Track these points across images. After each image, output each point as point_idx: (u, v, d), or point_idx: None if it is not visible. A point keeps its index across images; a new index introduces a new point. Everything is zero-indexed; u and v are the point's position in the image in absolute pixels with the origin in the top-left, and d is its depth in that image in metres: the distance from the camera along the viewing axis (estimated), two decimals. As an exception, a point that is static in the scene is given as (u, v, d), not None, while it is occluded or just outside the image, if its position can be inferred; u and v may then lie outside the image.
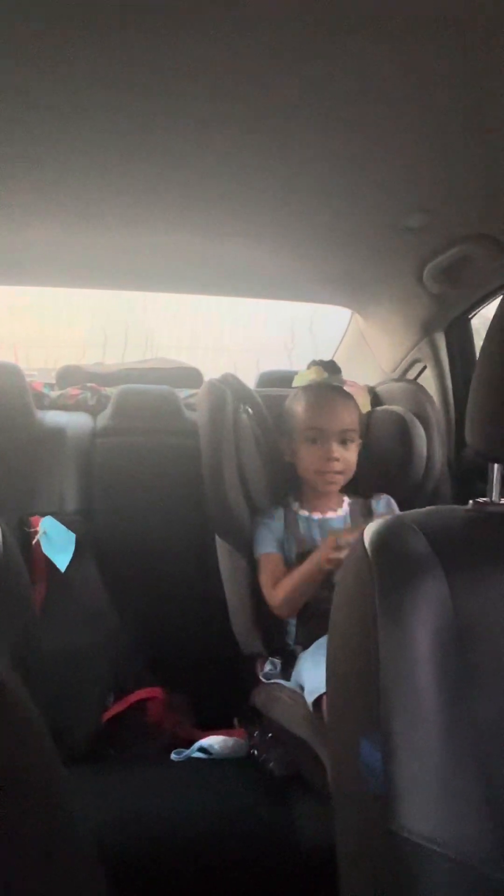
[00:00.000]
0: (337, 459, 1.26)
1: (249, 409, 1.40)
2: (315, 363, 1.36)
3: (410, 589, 0.52)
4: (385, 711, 0.47)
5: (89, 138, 0.91)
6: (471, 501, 0.64)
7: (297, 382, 1.37)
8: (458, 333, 1.57)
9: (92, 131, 0.89)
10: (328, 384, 1.33)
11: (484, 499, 0.64)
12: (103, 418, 1.67)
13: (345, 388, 1.33)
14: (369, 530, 0.59)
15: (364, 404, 1.34)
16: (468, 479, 1.55)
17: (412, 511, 0.63)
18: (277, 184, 1.05)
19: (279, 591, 1.23)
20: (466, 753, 0.47)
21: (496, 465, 0.64)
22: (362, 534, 0.59)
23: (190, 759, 1.10)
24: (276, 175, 1.02)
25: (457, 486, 1.51)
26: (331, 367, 1.35)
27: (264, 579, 1.26)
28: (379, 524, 0.60)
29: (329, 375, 1.34)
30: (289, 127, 0.87)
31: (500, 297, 1.41)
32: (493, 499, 0.63)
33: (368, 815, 0.48)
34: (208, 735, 1.17)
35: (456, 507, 0.65)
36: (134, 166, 1.00)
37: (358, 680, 0.51)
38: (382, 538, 0.57)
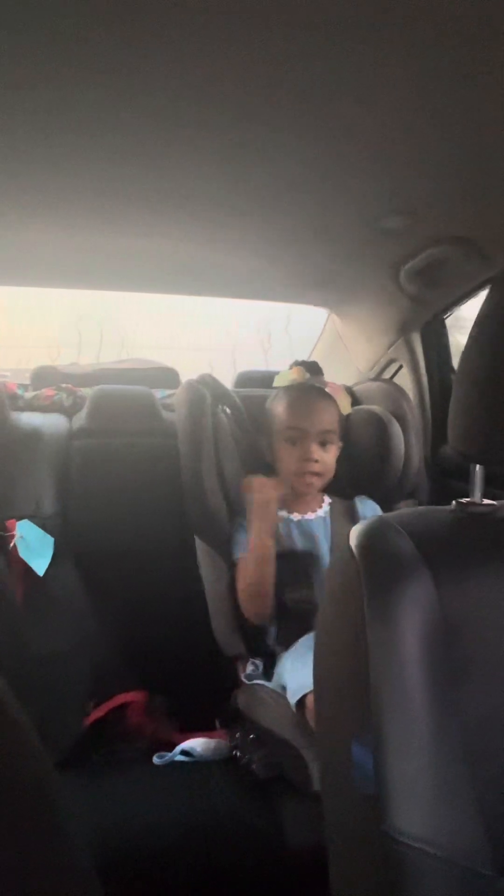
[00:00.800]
0: (316, 461, 1.26)
1: (227, 410, 1.39)
2: (297, 364, 1.36)
3: (398, 590, 0.52)
4: (376, 713, 0.47)
5: (65, 141, 0.90)
6: (454, 502, 0.65)
7: (277, 383, 1.37)
8: (434, 333, 1.59)
9: (69, 134, 0.88)
10: (309, 385, 1.34)
11: (467, 499, 0.64)
12: (79, 419, 1.65)
13: (326, 389, 1.33)
14: (354, 532, 0.60)
15: (345, 406, 1.35)
16: (444, 477, 1.57)
17: (396, 512, 0.63)
18: (255, 186, 1.05)
19: (242, 596, 1.23)
20: (455, 753, 0.47)
21: (478, 466, 0.64)
22: (348, 537, 0.59)
23: (172, 763, 1.10)
24: (253, 177, 1.02)
25: (433, 485, 1.53)
26: (312, 368, 1.35)
27: (239, 584, 1.27)
28: (363, 526, 0.60)
29: (310, 376, 1.34)
30: (267, 129, 0.87)
31: (474, 298, 1.43)
32: (476, 499, 0.64)
33: (360, 816, 0.48)
34: (190, 737, 1.16)
35: (439, 507, 0.65)
36: (109, 168, 0.99)
37: (348, 682, 0.51)
38: (368, 540, 0.57)
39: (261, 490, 1.24)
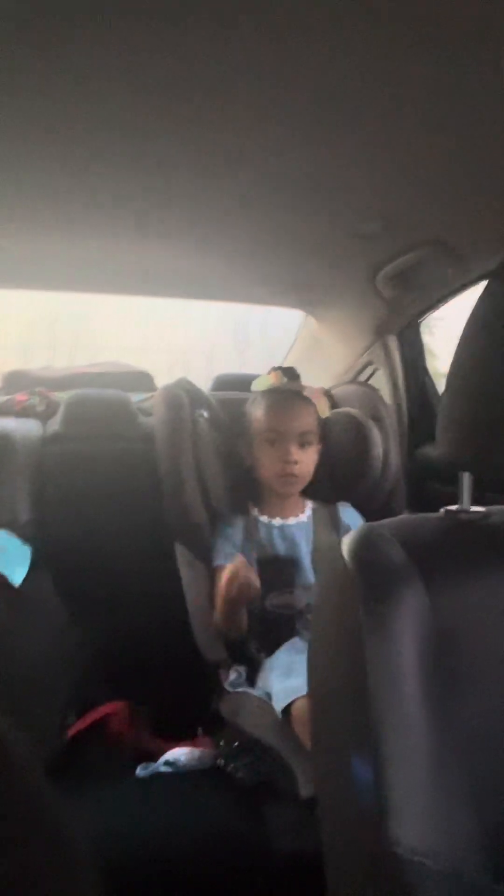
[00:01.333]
0: (295, 462, 1.26)
1: (205, 414, 1.38)
2: (275, 369, 1.36)
3: (393, 600, 0.52)
4: (375, 726, 0.47)
5: (35, 144, 0.89)
6: (443, 510, 0.65)
7: (256, 387, 1.37)
8: (410, 337, 1.61)
9: (38, 137, 0.87)
10: (287, 388, 1.33)
11: (455, 506, 0.64)
12: (53, 424, 1.62)
13: (304, 393, 1.33)
14: (346, 542, 0.59)
15: (323, 410, 1.35)
16: (421, 480, 1.58)
17: (385, 521, 0.63)
18: (233, 190, 1.05)
19: (217, 609, 1.22)
20: (454, 764, 0.47)
21: (466, 474, 0.65)
22: (340, 545, 0.59)
23: (156, 774, 1.08)
24: (231, 182, 1.01)
25: (411, 488, 1.54)
26: (290, 374, 1.36)
27: (216, 595, 1.26)
28: (355, 536, 0.60)
29: (288, 381, 1.34)
30: (245, 133, 0.86)
31: (449, 302, 1.45)
32: (464, 507, 0.64)
33: (360, 830, 0.48)
34: (173, 747, 1.15)
35: (428, 515, 0.66)
36: (82, 171, 0.98)
37: (345, 694, 0.51)
38: (361, 550, 0.57)
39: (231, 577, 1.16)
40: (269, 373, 1.37)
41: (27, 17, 0.64)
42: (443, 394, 0.63)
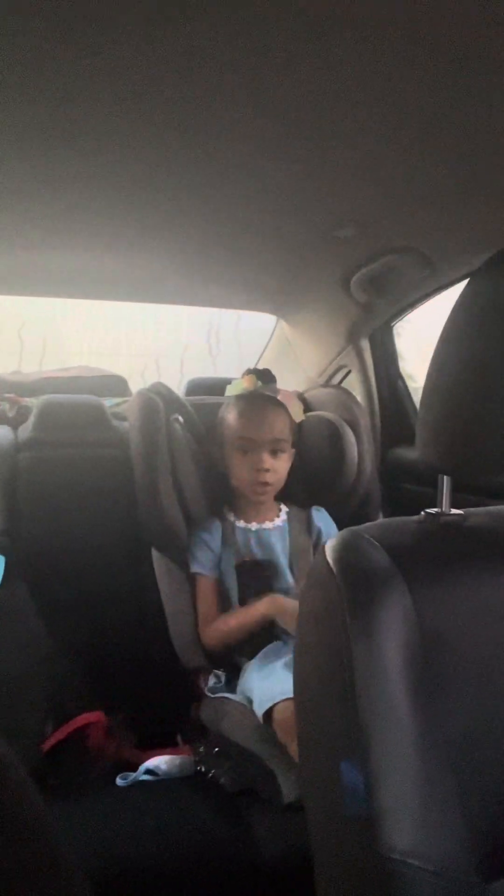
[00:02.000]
0: (267, 470, 1.26)
1: (181, 419, 1.38)
2: (249, 372, 1.36)
3: (379, 604, 0.52)
4: (363, 730, 0.47)
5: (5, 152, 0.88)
6: (423, 513, 0.66)
7: (230, 391, 1.37)
8: (382, 340, 1.63)
9: (9, 145, 0.86)
10: (260, 394, 1.34)
11: (435, 509, 0.65)
12: (25, 431, 1.59)
13: (278, 397, 1.33)
14: (329, 547, 0.59)
15: (297, 413, 1.35)
16: (395, 482, 1.60)
17: (366, 525, 0.63)
18: (208, 193, 1.05)
19: (214, 631, 1.25)
20: (442, 766, 0.48)
21: (446, 477, 0.65)
22: (323, 551, 0.59)
23: (137, 783, 1.07)
24: (206, 184, 1.01)
25: (385, 489, 1.56)
26: (265, 376, 1.36)
27: (199, 605, 1.28)
28: (338, 541, 0.60)
29: (262, 384, 1.34)
30: (220, 140, 0.86)
31: (421, 306, 1.47)
32: (444, 510, 0.65)
33: (350, 834, 0.48)
34: (153, 755, 1.14)
35: (407, 518, 0.66)
36: (50, 176, 0.97)
37: (333, 701, 0.51)
38: (345, 555, 0.57)
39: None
40: (243, 376, 1.36)
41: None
42: (421, 396, 0.64)
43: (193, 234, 1.26)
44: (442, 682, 0.51)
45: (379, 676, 0.49)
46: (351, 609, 0.52)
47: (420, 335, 1.73)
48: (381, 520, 0.65)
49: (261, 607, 1.19)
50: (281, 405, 1.33)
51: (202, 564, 1.28)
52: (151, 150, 0.90)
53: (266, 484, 1.27)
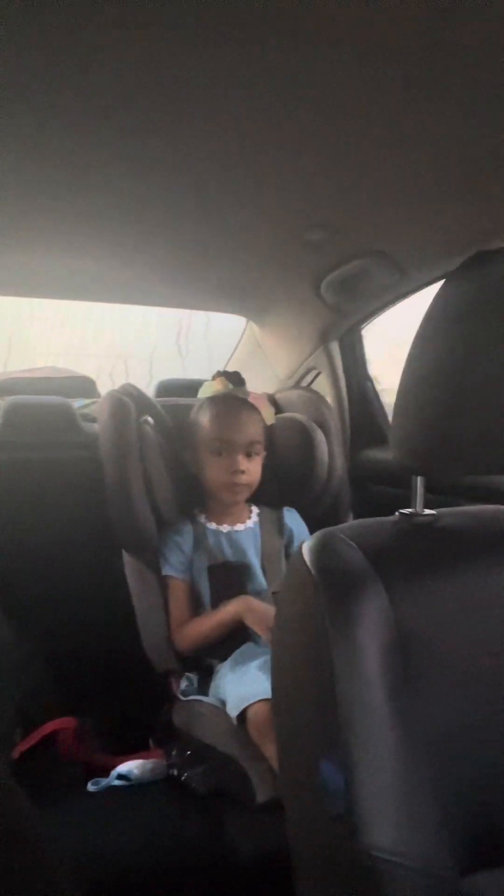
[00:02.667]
0: (243, 472, 1.27)
1: (150, 420, 1.37)
2: (220, 374, 1.36)
3: (356, 604, 0.53)
4: (343, 730, 0.48)
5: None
6: (397, 513, 0.67)
7: (202, 393, 1.37)
8: (351, 342, 1.64)
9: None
10: (234, 396, 1.34)
11: (409, 510, 0.66)
12: (-9, 432, 1.56)
13: (249, 399, 1.34)
14: (306, 548, 0.60)
15: (268, 416, 1.36)
16: (364, 483, 1.62)
17: (341, 525, 0.64)
18: (179, 194, 1.04)
19: (187, 635, 1.24)
20: (419, 763, 0.49)
21: (419, 478, 0.66)
22: (301, 552, 0.60)
23: (109, 788, 1.06)
24: (177, 185, 1.01)
25: (354, 490, 1.58)
26: (235, 379, 1.36)
27: (172, 609, 1.27)
28: (314, 542, 0.60)
29: (233, 387, 1.34)
30: (192, 142, 0.86)
31: (389, 309, 1.49)
32: (417, 510, 0.66)
33: (329, 833, 0.48)
34: (125, 760, 1.13)
35: (382, 519, 0.67)
36: (24, 176, 0.96)
37: (312, 700, 0.51)
38: (322, 555, 0.58)
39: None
40: (213, 378, 1.36)
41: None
42: (395, 398, 0.65)
43: (164, 235, 1.25)
44: (419, 680, 0.52)
45: (358, 676, 0.50)
46: (330, 610, 0.52)
47: (386, 337, 1.75)
48: (356, 521, 0.66)
49: (230, 609, 1.19)
50: (254, 407, 1.33)
51: (174, 567, 1.28)
52: (122, 154, 0.89)
53: (242, 485, 1.27)
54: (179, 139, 0.86)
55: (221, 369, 1.42)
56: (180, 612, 1.26)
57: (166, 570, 1.28)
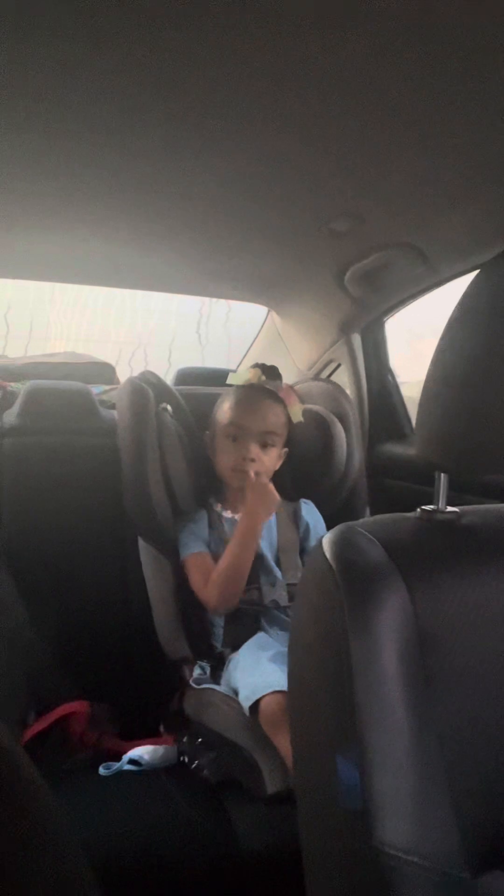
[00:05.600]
0: (253, 460, 1.26)
1: (169, 408, 1.37)
2: (256, 365, 1.36)
3: (377, 600, 0.52)
4: (360, 726, 0.47)
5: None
6: (418, 509, 0.65)
7: (232, 381, 1.36)
8: (373, 334, 1.63)
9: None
10: (261, 386, 1.33)
11: (431, 507, 0.65)
12: (10, 416, 1.57)
13: (280, 393, 1.33)
14: (327, 542, 0.59)
15: (296, 413, 1.34)
16: (382, 477, 1.61)
17: (362, 520, 0.63)
18: (203, 183, 1.03)
19: (212, 586, 1.20)
20: (434, 763, 0.48)
21: (443, 475, 0.65)
22: (321, 545, 0.59)
23: (120, 773, 1.07)
24: (201, 174, 1.00)
25: (372, 484, 1.56)
26: (271, 373, 1.35)
27: (196, 579, 1.23)
28: (334, 535, 0.60)
29: (266, 379, 1.34)
30: (218, 129, 0.85)
31: (414, 302, 1.47)
32: (440, 507, 0.65)
33: (344, 830, 0.48)
34: (136, 745, 1.14)
35: (403, 514, 0.66)
36: (49, 164, 0.95)
37: (329, 695, 0.51)
38: (343, 550, 0.57)
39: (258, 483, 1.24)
40: (249, 369, 1.36)
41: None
42: (421, 394, 0.64)
43: (187, 222, 1.24)
44: (437, 679, 0.51)
45: (376, 672, 0.49)
46: (350, 606, 0.51)
47: (408, 330, 1.73)
48: (377, 516, 0.65)
49: (239, 525, 1.21)
50: (279, 400, 1.32)
51: (195, 545, 1.27)
52: (147, 139, 0.88)
53: (248, 472, 1.25)
54: (205, 129, 0.85)
55: (241, 358, 1.42)
56: (205, 576, 1.22)
57: (186, 552, 1.27)
